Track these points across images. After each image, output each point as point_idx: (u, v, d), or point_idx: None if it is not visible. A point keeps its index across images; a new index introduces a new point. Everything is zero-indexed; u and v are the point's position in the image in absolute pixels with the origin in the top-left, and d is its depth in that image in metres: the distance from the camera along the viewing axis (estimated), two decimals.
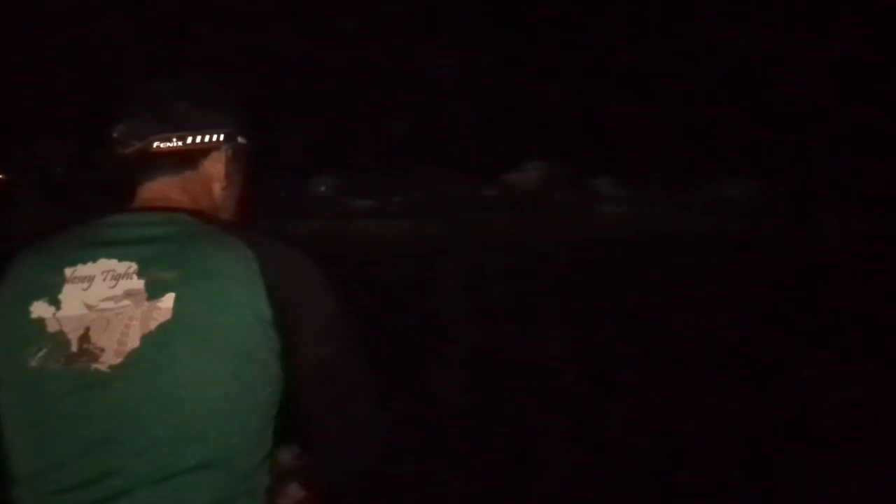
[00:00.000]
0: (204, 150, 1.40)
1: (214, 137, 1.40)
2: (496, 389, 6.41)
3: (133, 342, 1.21)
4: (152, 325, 1.21)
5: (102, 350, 1.21)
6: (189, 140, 1.38)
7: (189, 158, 1.39)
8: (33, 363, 1.22)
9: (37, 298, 1.25)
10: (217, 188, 1.43)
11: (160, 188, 1.38)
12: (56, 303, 1.25)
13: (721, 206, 17.00)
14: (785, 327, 8.26)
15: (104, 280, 1.25)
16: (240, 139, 1.45)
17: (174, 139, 1.37)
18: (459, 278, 12.79)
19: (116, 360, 1.20)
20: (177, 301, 1.22)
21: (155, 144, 1.36)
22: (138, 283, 1.23)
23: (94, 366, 1.21)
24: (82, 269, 1.26)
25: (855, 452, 4.70)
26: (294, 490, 1.39)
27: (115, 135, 1.38)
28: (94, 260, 1.27)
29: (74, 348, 1.22)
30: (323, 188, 19.87)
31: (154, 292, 1.22)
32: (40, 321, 1.24)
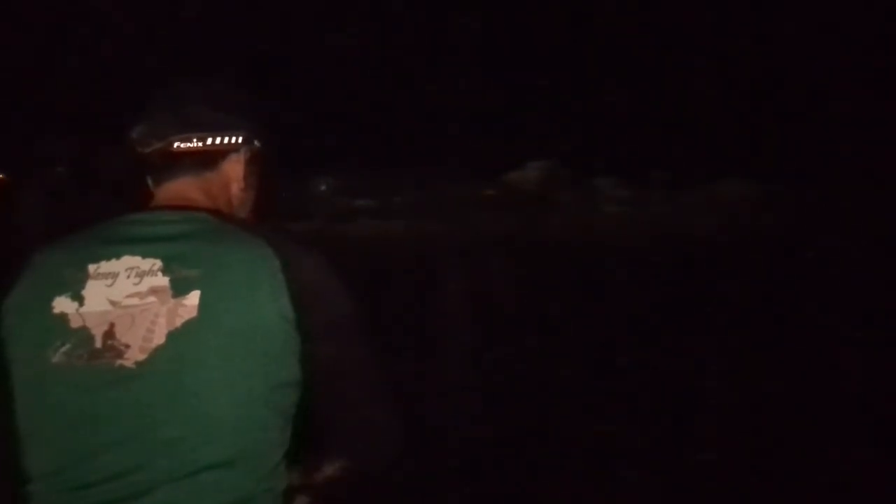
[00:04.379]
0: (223, 152, 1.41)
1: (233, 139, 1.42)
2: (497, 388, 6.41)
3: (159, 339, 1.21)
4: (178, 323, 1.21)
5: (127, 346, 1.21)
6: (209, 141, 1.39)
7: (209, 159, 1.40)
8: (55, 359, 1.22)
9: (59, 294, 1.25)
10: (235, 189, 1.45)
11: (180, 188, 1.39)
12: (79, 298, 1.24)
13: (721, 206, 17.01)
14: (784, 325, 8.28)
15: (128, 277, 1.25)
16: (256, 143, 1.46)
17: (194, 140, 1.38)
18: (459, 277, 12.79)
19: (142, 357, 1.20)
20: (202, 299, 1.22)
21: (175, 145, 1.37)
22: (163, 280, 1.23)
23: (119, 362, 1.21)
24: (105, 266, 1.26)
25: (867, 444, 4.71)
26: (303, 500, 1.39)
27: (133, 135, 1.39)
28: (118, 257, 1.27)
29: (98, 344, 1.21)
30: (323, 188, 19.88)
31: (180, 290, 1.23)
32: (63, 316, 1.24)
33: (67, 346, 1.22)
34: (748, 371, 6.63)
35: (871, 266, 11.34)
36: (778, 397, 5.89)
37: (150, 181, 1.42)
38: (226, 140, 1.41)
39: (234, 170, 1.43)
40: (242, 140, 1.43)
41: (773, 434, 5.16)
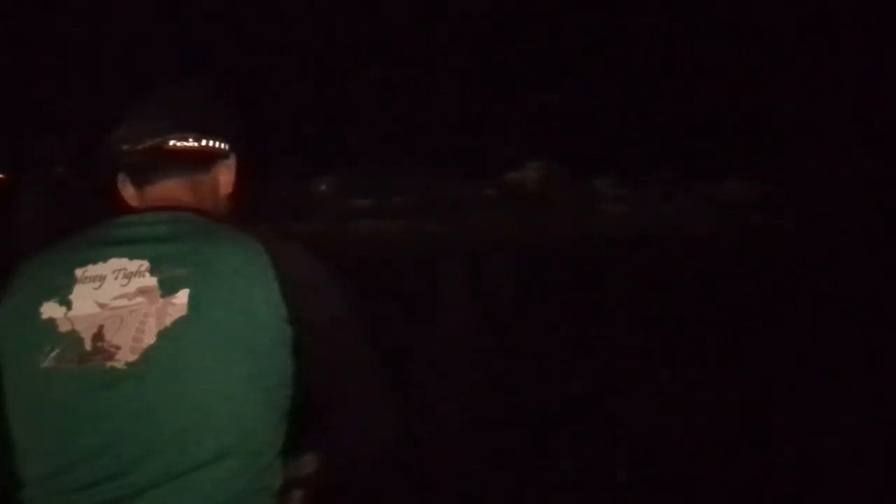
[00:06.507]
0: (215, 155, 1.42)
1: (226, 144, 1.42)
2: (497, 388, 6.42)
3: (149, 339, 1.20)
4: (168, 322, 1.20)
5: (118, 348, 1.21)
6: (204, 142, 1.39)
7: (202, 161, 1.40)
8: (45, 364, 1.22)
9: (47, 299, 1.25)
10: (222, 194, 1.45)
11: (169, 187, 1.38)
12: (67, 303, 1.24)
13: (721, 206, 17.02)
14: (784, 326, 8.28)
15: (116, 279, 1.24)
16: (238, 153, 1.47)
17: (191, 139, 1.38)
18: (459, 278, 12.80)
19: (133, 357, 1.20)
20: (191, 297, 1.21)
21: (171, 143, 1.37)
22: (151, 281, 1.23)
23: (110, 364, 1.20)
24: (93, 269, 1.26)
25: (860, 451, 4.71)
26: (296, 495, 1.39)
27: (121, 131, 1.38)
28: (105, 259, 1.26)
29: (88, 347, 1.21)
30: (323, 188, 19.87)
31: (168, 289, 1.22)
32: (51, 322, 1.23)
33: (57, 350, 1.22)
34: (747, 371, 6.63)
35: (870, 266, 11.33)
36: (778, 397, 5.90)
37: (128, 182, 1.41)
38: (219, 144, 1.41)
39: (224, 175, 1.44)
40: (230, 147, 1.44)
41: (772, 434, 5.17)
